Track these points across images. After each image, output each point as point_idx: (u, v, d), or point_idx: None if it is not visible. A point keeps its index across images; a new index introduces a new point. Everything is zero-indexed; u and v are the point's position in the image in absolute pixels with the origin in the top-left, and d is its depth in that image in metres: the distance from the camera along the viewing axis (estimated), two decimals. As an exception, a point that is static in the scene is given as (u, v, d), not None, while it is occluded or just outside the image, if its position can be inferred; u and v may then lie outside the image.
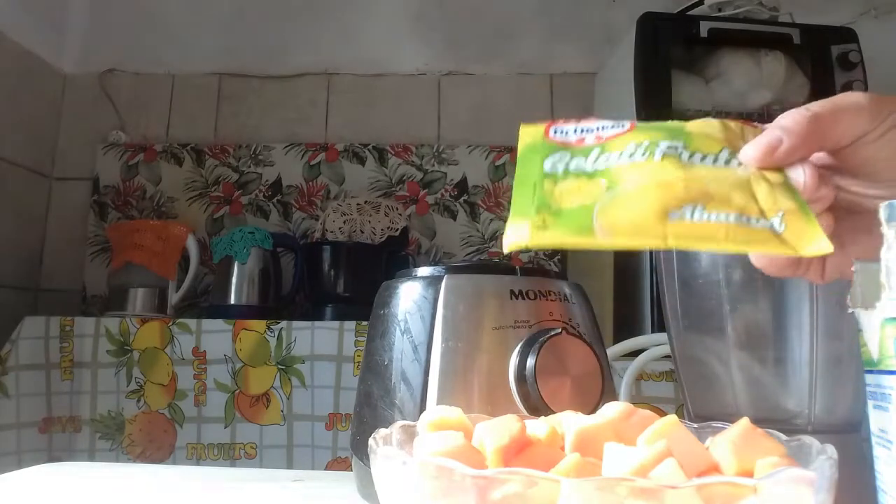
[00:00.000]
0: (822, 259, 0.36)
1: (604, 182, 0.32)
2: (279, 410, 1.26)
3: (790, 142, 0.32)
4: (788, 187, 0.32)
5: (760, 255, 0.36)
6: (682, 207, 0.30)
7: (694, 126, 0.35)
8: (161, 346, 1.28)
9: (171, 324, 1.29)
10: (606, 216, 0.30)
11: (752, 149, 0.33)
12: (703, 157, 0.33)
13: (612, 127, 0.35)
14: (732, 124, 0.35)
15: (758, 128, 0.35)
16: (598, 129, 0.35)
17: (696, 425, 0.35)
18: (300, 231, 1.72)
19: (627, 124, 0.35)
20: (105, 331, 1.29)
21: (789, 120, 0.33)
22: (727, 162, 0.33)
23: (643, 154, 0.33)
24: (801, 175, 0.32)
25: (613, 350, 1.13)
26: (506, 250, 0.31)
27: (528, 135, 0.36)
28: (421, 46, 1.82)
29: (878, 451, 0.29)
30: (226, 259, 1.50)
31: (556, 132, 0.36)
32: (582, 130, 0.36)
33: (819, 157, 0.34)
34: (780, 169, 0.32)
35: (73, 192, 1.76)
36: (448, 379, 0.44)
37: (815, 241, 0.29)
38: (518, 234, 0.31)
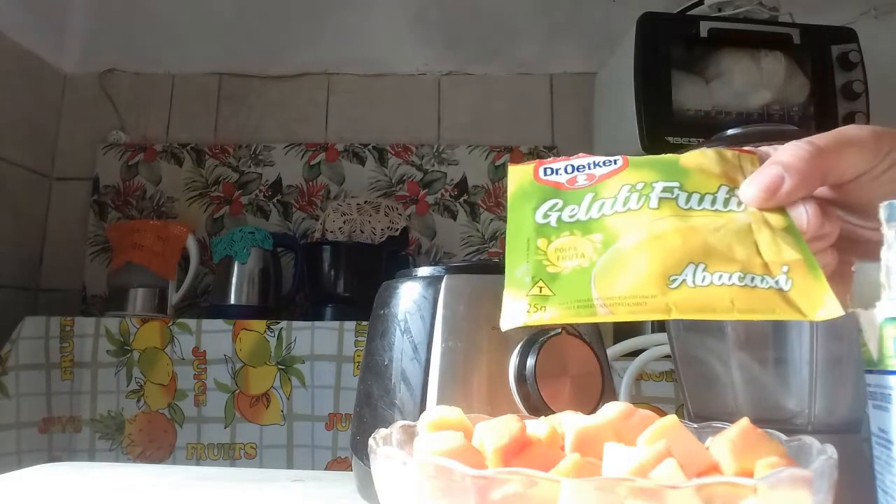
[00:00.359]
0: None
1: (599, 238, 0.31)
2: (279, 410, 1.26)
3: (792, 181, 0.31)
4: (791, 231, 0.30)
5: None
6: (683, 269, 0.29)
7: (689, 160, 0.33)
8: (161, 346, 1.28)
9: (171, 324, 1.29)
10: (605, 285, 0.29)
11: (753, 189, 0.31)
12: (701, 199, 0.32)
13: (605, 164, 0.34)
14: (729, 154, 0.34)
15: (755, 155, 0.34)
16: (589, 166, 0.34)
17: (696, 425, 0.35)
18: (300, 231, 1.72)
19: (620, 161, 0.34)
20: (105, 331, 1.29)
21: (791, 155, 0.32)
22: (726, 202, 0.32)
23: (638, 201, 0.32)
24: (803, 214, 0.31)
25: (613, 350, 1.13)
26: (503, 329, 0.30)
27: (518, 177, 0.35)
28: (421, 46, 1.82)
29: (878, 451, 0.29)
30: (226, 259, 1.50)
31: (546, 172, 0.35)
32: (573, 168, 0.34)
33: (819, 190, 0.33)
34: (782, 208, 0.31)
35: (73, 192, 1.76)
36: (448, 379, 0.44)
37: (823, 303, 0.28)
38: (516, 315, 0.29)
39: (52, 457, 1.25)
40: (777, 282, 0.29)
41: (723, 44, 1.38)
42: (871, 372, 0.30)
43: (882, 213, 0.29)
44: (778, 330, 0.48)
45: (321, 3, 1.83)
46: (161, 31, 1.83)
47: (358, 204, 1.60)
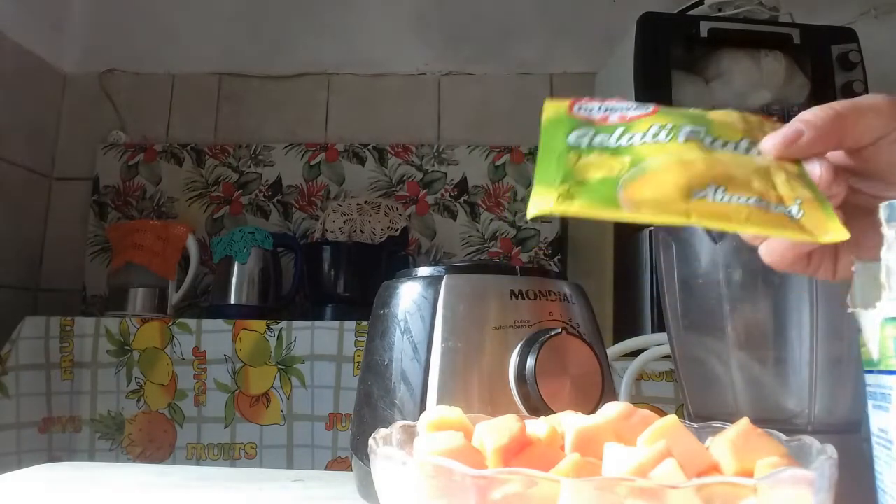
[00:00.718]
0: (835, 256, 0.36)
1: (628, 158, 0.32)
2: (279, 410, 1.26)
3: (811, 135, 0.33)
4: (805, 179, 0.32)
5: (772, 250, 0.36)
6: (706, 187, 0.31)
7: (715, 114, 0.36)
8: (161, 346, 1.28)
9: (171, 324, 1.29)
10: (631, 189, 0.31)
11: (773, 139, 0.34)
12: (725, 144, 0.34)
13: (636, 108, 0.36)
14: (752, 117, 0.36)
15: (776, 122, 0.36)
16: (622, 109, 0.36)
17: (696, 425, 0.35)
18: (300, 231, 1.72)
19: (651, 107, 0.36)
20: (105, 331, 1.29)
21: (812, 114, 0.34)
22: (747, 150, 0.34)
23: (667, 136, 0.33)
24: (817, 169, 0.33)
25: (613, 350, 1.13)
26: (529, 217, 0.31)
27: (552, 109, 0.37)
28: (421, 46, 1.82)
29: (878, 451, 0.29)
30: (226, 259, 1.50)
31: (580, 109, 0.36)
32: (606, 109, 0.36)
33: (836, 157, 0.34)
34: (797, 161, 0.33)
35: (73, 192, 1.76)
36: (448, 379, 0.44)
37: (832, 228, 0.30)
38: (544, 202, 0.31)
39: (52, 457, 1.25)
40: (790, 210, 0.31)
41: (723, 44, 1.38)
42: (870, 372, 0.29)
43: (882, 214, 0.29)
44: (778, 330, 0.48)
45: (321, 3, 1.83)
46: (161, 31, 1.83)
47: (358, 204, 1.60)
